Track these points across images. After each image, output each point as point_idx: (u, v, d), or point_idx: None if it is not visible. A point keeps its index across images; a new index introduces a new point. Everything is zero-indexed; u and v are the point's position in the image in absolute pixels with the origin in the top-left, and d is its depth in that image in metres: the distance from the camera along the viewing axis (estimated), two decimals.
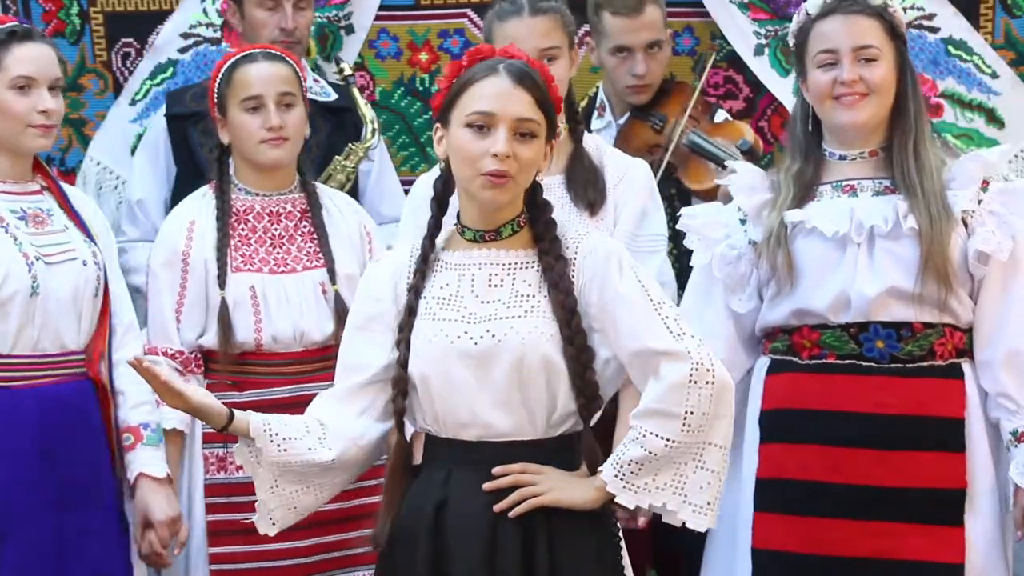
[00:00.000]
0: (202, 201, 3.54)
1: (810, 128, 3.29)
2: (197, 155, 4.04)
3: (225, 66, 3.50)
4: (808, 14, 3.25)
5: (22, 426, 3.22)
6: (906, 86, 3.23)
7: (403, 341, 2.78)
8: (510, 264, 2.80)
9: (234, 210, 3.51)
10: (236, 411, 2.77)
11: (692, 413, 2.68)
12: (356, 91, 4.16)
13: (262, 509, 2.83)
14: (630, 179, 3.51)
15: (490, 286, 2.79)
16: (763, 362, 3.30)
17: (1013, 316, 3.16)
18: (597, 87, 4.29)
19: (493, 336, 2.73)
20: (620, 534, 2.86)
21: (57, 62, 3.35)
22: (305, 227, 3.54)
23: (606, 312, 2.75)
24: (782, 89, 4.34)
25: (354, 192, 4.01)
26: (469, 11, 4.45)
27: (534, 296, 2.77)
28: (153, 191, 4.10)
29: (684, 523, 2.73)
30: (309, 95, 3.79)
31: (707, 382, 2.68)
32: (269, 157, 3.48)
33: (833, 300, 3.17)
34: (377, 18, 4.45)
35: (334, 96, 4.17)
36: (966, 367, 3.20)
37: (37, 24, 4.33)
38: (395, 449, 2.86)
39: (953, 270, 3.13)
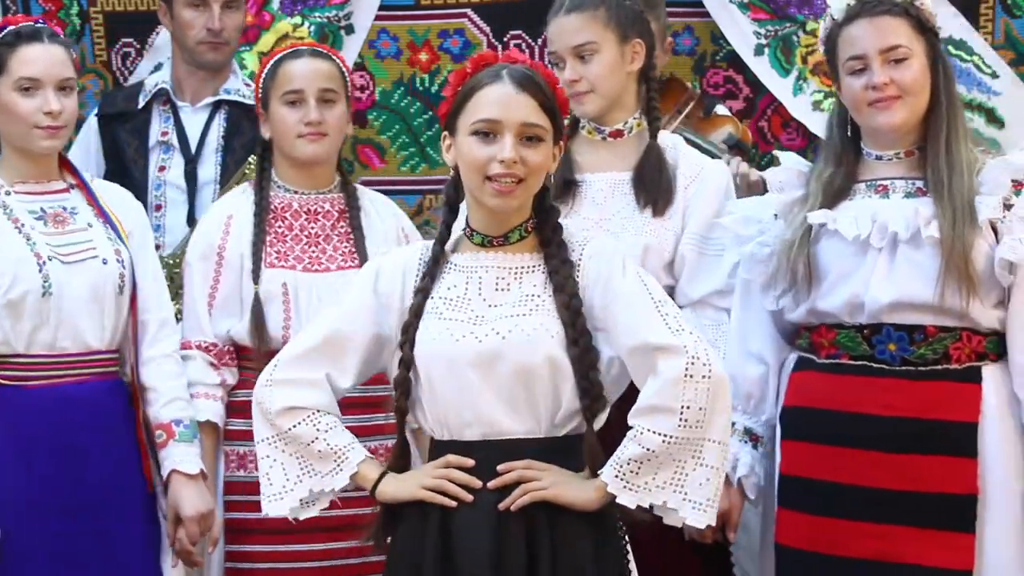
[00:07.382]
0: (241, 197, 3.57)
1: (849, 132, 3.24)
2: (124, 154, 4.05)
3: (271, 62, 3.52)
4: (834, 19, 3.21)
5: (36, 425, 3.20)
6: (938, 81, 3.18)
7: (407, 342, 2.79)
8: (517, 268, 2.82)
9: (272, 207, 3.52)
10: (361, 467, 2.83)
11: (688, 408, 2.67)
12: None
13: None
14: (703, 180, 3.46)
15: (497, 290, 2.80)
16: (792, 358, 3.31)
17: None
18: None
19: (498, 334, 2.75)
20: (626, 537, 2.85)
21: (67, 62, 3.33)
22: (342, 227, 3.55)
23: (608, 311, 2.76)
24: (782, 89, 4.34)
25: None
26: (469, 11, 4.44)
27: (539, 296, 2.79)
28: None
29: (684, 520, 2.72)
30: (238, 97, 3.85)
31: (703, 376, 2.68)
32: (306, 152, 3.48)
33: (846, 303, 3.16)
34: (377, 18, 4.43)
35: None
36: (985, 371, 3.14)
37: None
38: (394, 449, 2.89)
39: (977, 276, 3.07)
